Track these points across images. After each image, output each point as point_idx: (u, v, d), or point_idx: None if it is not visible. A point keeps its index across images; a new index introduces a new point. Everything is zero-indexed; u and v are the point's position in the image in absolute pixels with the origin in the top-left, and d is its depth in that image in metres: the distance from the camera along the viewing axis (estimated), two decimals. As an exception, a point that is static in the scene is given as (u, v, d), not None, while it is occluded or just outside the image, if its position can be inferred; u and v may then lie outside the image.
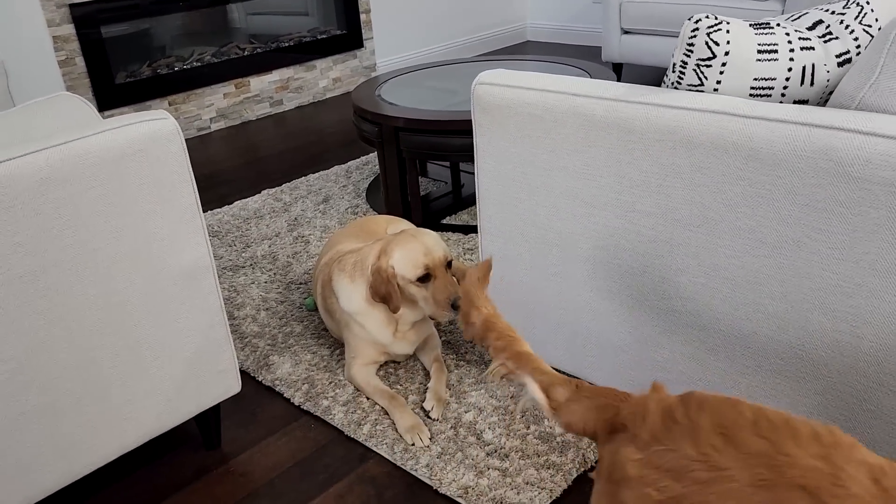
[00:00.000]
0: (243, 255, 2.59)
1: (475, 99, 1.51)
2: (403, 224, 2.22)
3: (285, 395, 1.85)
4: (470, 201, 2.90)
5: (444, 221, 2.75)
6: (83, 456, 1.41)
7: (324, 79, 4.55)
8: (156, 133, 1.35)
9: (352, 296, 1.82)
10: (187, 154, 1.41)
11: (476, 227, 2.67)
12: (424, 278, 1.73)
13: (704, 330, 1.32)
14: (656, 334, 1.41)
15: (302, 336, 2.08)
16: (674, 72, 1.28)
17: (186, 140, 3.99)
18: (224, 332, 1.57)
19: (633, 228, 1.35)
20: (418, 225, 2.67)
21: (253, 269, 2.49)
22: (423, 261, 1.72)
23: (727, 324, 1.28)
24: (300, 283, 2.37)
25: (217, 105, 4.10)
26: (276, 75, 4.32)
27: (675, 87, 1.29)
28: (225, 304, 2.28)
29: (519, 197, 1.52)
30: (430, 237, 1.78)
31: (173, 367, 1.50)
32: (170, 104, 3.91)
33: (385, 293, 1.73)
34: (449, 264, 1.78)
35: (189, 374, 1.54)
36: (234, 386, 1.63)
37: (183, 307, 1.48)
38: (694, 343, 1.35)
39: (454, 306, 1.71)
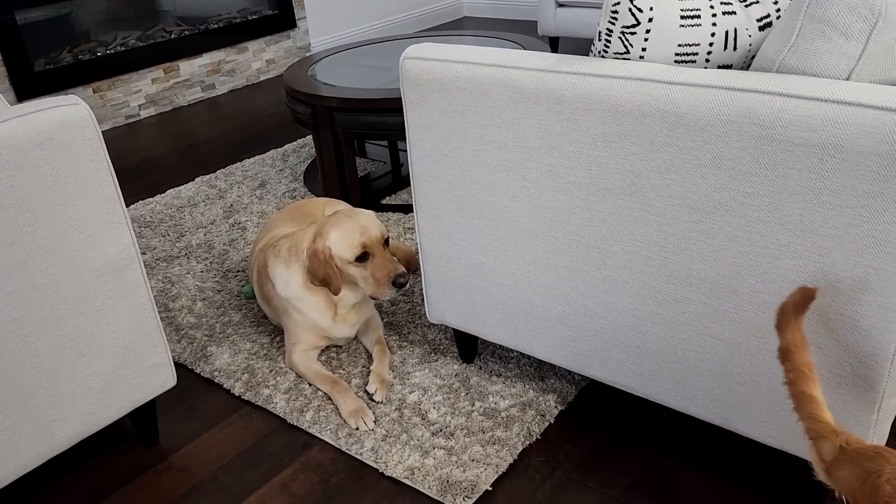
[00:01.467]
0: (177, 244, 2.51)
1: (403, 74, 1.48)
2: (341, 206, 2.18)
3: (225, 385, 1.81)
4: (409, 181, 2.87)
5: (384, 202, 2.72)
6: (9, 461, 1.35)
7: (257, 61, 4.43)
8: (66, 119, 1.28)
9: (289, 281, 1.78)
10: (103, 141, 1.34)
11: (409, 207, 2.64)
12: (362, 257, 1.70)
13: (641, 297, 1.33)
14: (595, 305, 1.41)
15: (241, 325, 2.03)
16: (600, 40, 1.27)
17: (114, 129, 3.84)
18: (155, 325, 1.52)
19: (566, 200, 1.34)
20: (357, 206, 2.63)
21: (188, 258, 2.42)
22: (360, 240, 1.69)
23: (662, 290, 1.29)
24: (237, 272, 2.32)
25: (145, 91, 3.95)
26: (207, 58, 4.18)
27: (602, 56, 1.28)
28: (159, 296, 2.21)
29: (452, 173, 1.50)
30: (364, 216, 1.75)
31: (101, 363, 1.44)
32: (94, 91, 3.75)
33: (324, 276, 1.70)
34: (386, 242, 1.75)
35: (119, 371, 1.48)
36: (168, 380, 1.58)
37: (108, 301, 1.42)
38: (632, 313, 1.36)
39: (395, 283, 1.69)
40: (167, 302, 2.17)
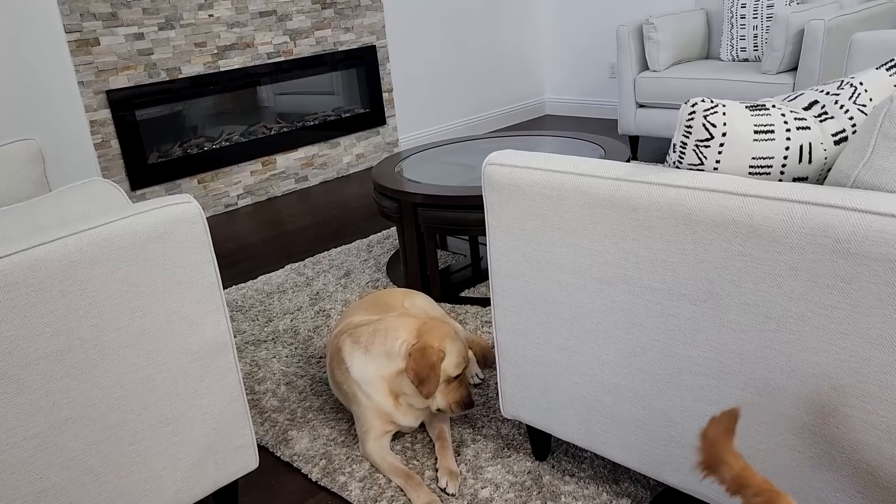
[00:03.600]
0: (265, 329, 2.64)
1: (485, 178, 1.57)
2: (420, 298, 2.26)
3: (303, 470, 1.86)
4: (488, 275, 2.94)
5: (463, 294, 2.79)
6: (101, 533, 1.43)
7: (347, 155, 4.69)
8: (179, 216, 1.41)
9: (366, 367, 1.85)
10: (209, 235, 1.47)
11: (488, 301, 2.70)
12: (457, 377, 1.79)
13: (717, 405, 1.32)
14: (670, 409, 1.41)
15: (321, 410, 2.10)
16: (675, 151, 1.33)
17: (214, 216, 4.11)
18: (242, 408, 1.60)
19: (640, 303, 1.37)
20: (437, 298, 2.71)
21: (275, 343, 2.53)
22: (464, 362, 1.80)
23: (739, 398, 1.28)
24: (320, 357, 2.41)
25: (244, 182, 4.23)
26: (302, 153, 4.46)
27: (677, 167, 1.33)
28: (246, 378, 2.31)
29: (529, 272, 1.55)
30: (459, 339, 1.83)
31: (191, 443, 1.52)
32: (199, 182, 4.05)
33: (426, 376, 1.76)
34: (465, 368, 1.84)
35: (207, 451, 1.56)
36: (251, 462, 1.65)
37: (202, 384, 1.51)
38: (707, 418, 1.35)
39: (463, 408, 1.81)
40: (253, 385, 2.27)
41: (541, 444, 1.79)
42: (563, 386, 1.59)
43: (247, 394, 2.22)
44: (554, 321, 1.55)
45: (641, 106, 4.23)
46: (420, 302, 2.25)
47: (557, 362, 1.58)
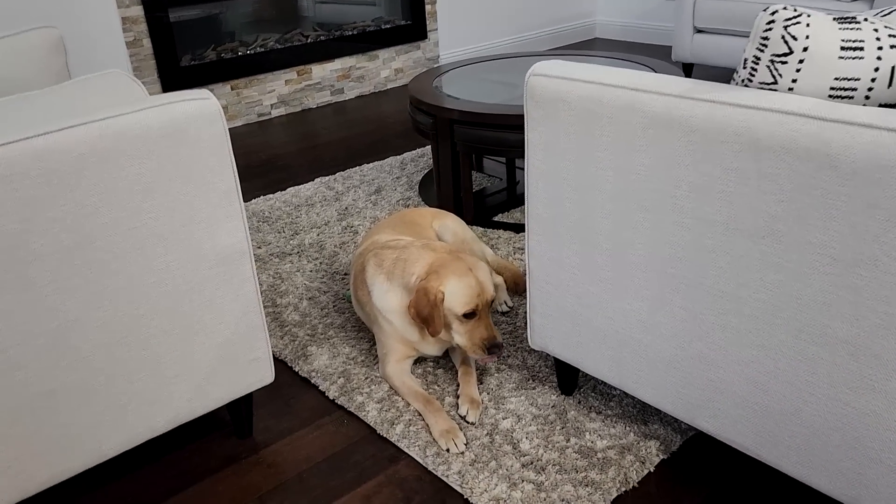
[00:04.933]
0: (291, 242, 2.57)
1: (528, 91, 1.43)
2: (450, 220, 2.16)
3: (321, 387, 1.81)
4: (524, 200, 2.82)
5: (497, 218, 2.68)
6: (111, 437, 1.40)
7: (386, 69, 4.52)
8: (197, 113, 1.31)
9: (386, 295, 1.77)
10: (228, 137, 1.37)
11: (522, 227, 2.59)
12: (469, 315, 1.67)
13: (765, 350, 1.22)
14: (711, 352, 1.30)
15: (342, 328, 2.04)
16: (745, 68, 1.18)
17: (247, 125, 4.02)
18: (259, 321, 1.54)
19: (690, 236, 1.25)
20: (469, 221, 2.61)
21: (299, 256, 2.47)
22: (475, 299, 1.68)
23: (791, 346, 1.17)
24: (344, 274, 2.34)
25: (278, 91, 4.11)
26: (339, 64, 4.31)
27: (745, 85, 1.19)
28: (268, 291, 2.26)
29: (569, 196, 1.43)
30: (483, 272, 1.72)
31: (205, 352, 1.47)
32: (232, 88, 3.94)
33: (427, 315, 1.67)
34: (491, 304, 1.73)
35: (221, 361, 1.51)
36: (267, 376, 1.60)
37: (218, 292, 1.45)
38: (753, 364, 1.24)
39: (488, 350, 1.66)
40: (275, 297, 2.22)
41: (568, 379, 1.71)
42: (596, 320, 1.50)
43: (268, 307, 2.17)
44: (592, 251, 1.44)
45: (699, 31, 3.97)
46: (450, 224, 2.15)
47: (592, 294, 1.48)
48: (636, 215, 1.32)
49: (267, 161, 3.45)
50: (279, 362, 1.93)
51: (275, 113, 4.14)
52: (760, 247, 1.16)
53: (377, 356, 1.89)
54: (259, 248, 2.54)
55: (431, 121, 2.57)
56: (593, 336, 1.52)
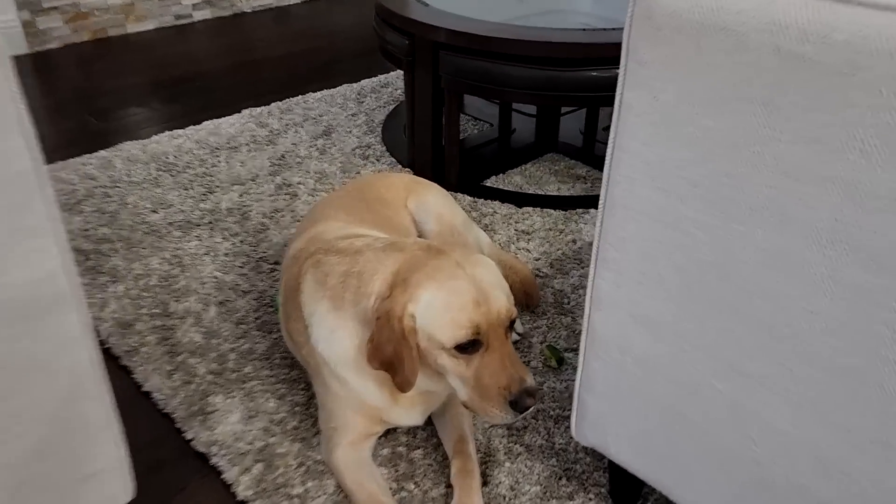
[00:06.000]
0: (201, 205, 1.82)
1: (640, 10, 0.72)
2: (432, 195, 1.46)
3: (225, 475, 1.13)
4: (524, 155, 2.11)
5: (488, 183, 1.97)
6: None
7: (341, -32, 3.65)
8: None
9: (333, 335, 1.07)
10: (11, 69, 0.64)
11: (531, 198, 1.89)
12: (468, 346, 0.97)
13: None
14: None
15: (266, 361, 1.34)
16: None
17: (160, 29, 3.14)
18: (99, 409, 0.83)
19: None
20: (451, 187, 1.89)
21: (211, 229, 1.73)
22: (473, 315, 0.97)
23: None
24: (273, 264, 1.61)
25: (203, -12, 3.23)
26: (282, -43, 3.42)
27: None
28: (159, 286, 1.53)
29: (693, 216, 0.76)
30: (486, 271, 1.02)
31: (-20, 489, 0.76)
32: (140, -20, 3.05)
33: (391, 356, 0.98)
34: (512, 324, 1.03)
35: (21, 487, 0.80)
36: (119, 495, 0.90)
37: (7, 372, 0.73)
38: None
39: (517, 406, 0.97)
40: (167, 299, 1.49)
41: (628, 490, 1.06)
42: (720, 435, 0.84)
43: (156, 314, 1.45)
44: (732, 318, 0.76)
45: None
46: (432, 202, 1.44)
47: (719, 394, 0.81)
48: (847, 274, 0.65)
49: (181, 79, 2.63)
50: (163, 420, 1.23)
51: (197, 15, 3.26)
52: None
53: (319, 424, 1.21)
54: (154, 212, 1.79)
55: (407, 43, 1.81)
56: (700, 453, 0.87)
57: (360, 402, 1.09)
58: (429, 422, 1.20)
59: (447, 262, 1.00)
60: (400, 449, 1.17)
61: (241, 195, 1.87)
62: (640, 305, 0.85)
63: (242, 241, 1.69)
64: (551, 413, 1.24)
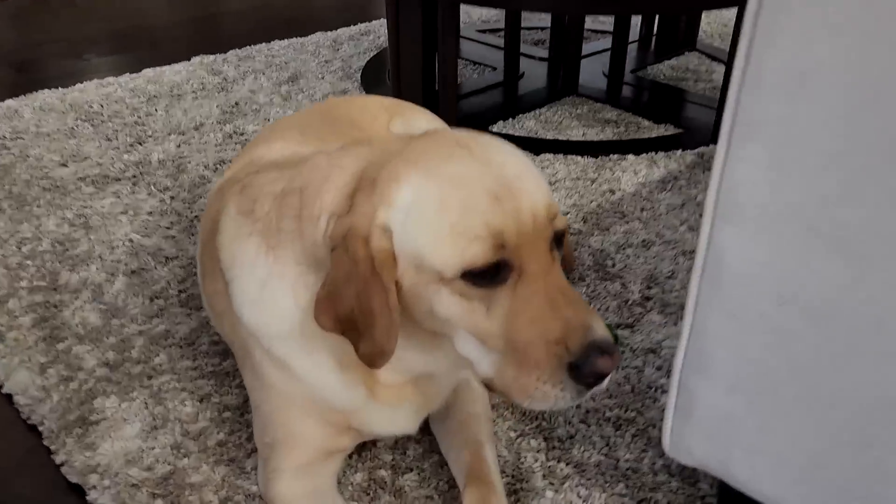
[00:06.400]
0: (125, 157, 1.41)
1: None
2: (422, 118, 1.05)
3: (104, 522, 0.71)
4: (535, 101, 1.70)
5: (494, 129, 1.57)
6: None
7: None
8: None
9: (265, 290, 0.66)
10: None
11: (550, 144, 1.49)
12: (487, 273, 0.55)
13: None
14: None
15: (190, 346, 0.93)
16: None
17: (108, -14, 2.73)
18: None
19: None
20: (450, 131, 1.47)
21: (135, 184, 1.32)
22: (491, 218, 0.55)
23: None
24: (215, 222, 1.20)
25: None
26: None
27: None
28: (51, 253, 1.11)
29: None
30: (509, 153, 0.61)
31: None
32: (83, -72, 2.63)
33: (353, 308, 0.58)
34: (560, 238, 0.61)
35: None
36: None
37: None
38: None
39: (585, 372, 0.55)
40: (58, 269, 1.08)
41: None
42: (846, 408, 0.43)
43: (42, 289, 1.03)
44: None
45: None
46: (424, 124, 1.03)
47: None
48: None
49: (124, 32, 2.22)
50: (27, 434, 0.82)
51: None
52: None
53: (254, 439, 0.79)
54: (64, 165, 1.37)
55: (389, -57, 1.41)
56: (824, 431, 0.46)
57: (313, 399, 0.67)
58: (426, 429, 0.79)
59: (440, 142, 0.61)
60: (382, 473, 0.76)
61: (178, 145, 1.46)
62: (794, 275, 0.45)
63: (174, 196, 1.28)
64: (608, 414, 0.83)
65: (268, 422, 0.70)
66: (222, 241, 0.70)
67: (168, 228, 1.19)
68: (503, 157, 0.59)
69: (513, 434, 0.81)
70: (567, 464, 0.77)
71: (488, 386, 0.60)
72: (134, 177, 1.34)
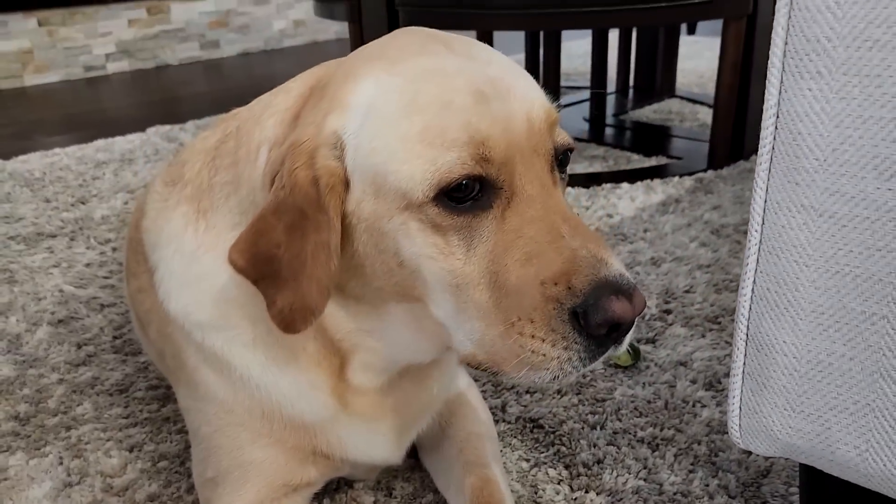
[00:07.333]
0: (63, 216, 1.27)
1: None
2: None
3: None
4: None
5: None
6: None
7: (280, 19, 3.27)
8: None
9: (195, 265, 0.52)
10: None
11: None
12: (469, 193, 0.42)
13: None
14: None
15: (121, 394, 0.77)
16: None
17: (66, 81, 2.67)
18: None
19: None
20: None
21: (72, 239, 1.17)
22: (474, 118, 0.42)
23: None
24: (161, 268, 1.05)
25: (117, 35, 2.79)
26: (212, 4, 3.03)
27: None
28: (-37, 306, 0.95)
29: None
30: (497, 55, 0.48)
31: None
32: (40, 24, 2.60)
33: (276, 242, 0.43)
34: (565, 155, 0.48)
35: None
36: None
37: None
38: None
39: (590, 320, 0.40)
40: (-28, 321, 0.91)
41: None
42: None
43: (-53, 343, 0.86)
44: None
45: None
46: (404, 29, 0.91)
47: None
48: None
49: (78, 118, 2.12)
50: None
51: (113, 67, 2.80)
52: None
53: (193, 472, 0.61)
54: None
55: (349, -20, 1.35)
56: None
57: (264, 410, 0.51)
58: (416, 463, 0.62)
59: (410, 35, 0.49)
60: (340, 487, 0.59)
61: (126, 202, 1.32)
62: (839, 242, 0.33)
63: (116, 247, 1.13)
64: (640, 434, 0.67)
65: (209, 449, 0.53)
66: (146, 223, 0.56)
67: (106, 278, 1.03)
68: (489, 54, 0.47)
69: (525, 465, 0.64)
70: (598, 493, 0.60)
71: (472, 364, 0.45)
72: (72, 232, 1.20)
